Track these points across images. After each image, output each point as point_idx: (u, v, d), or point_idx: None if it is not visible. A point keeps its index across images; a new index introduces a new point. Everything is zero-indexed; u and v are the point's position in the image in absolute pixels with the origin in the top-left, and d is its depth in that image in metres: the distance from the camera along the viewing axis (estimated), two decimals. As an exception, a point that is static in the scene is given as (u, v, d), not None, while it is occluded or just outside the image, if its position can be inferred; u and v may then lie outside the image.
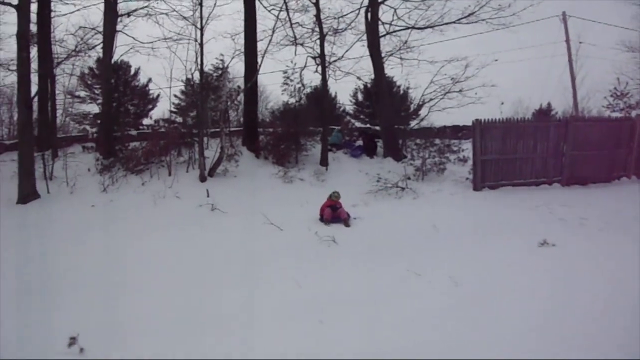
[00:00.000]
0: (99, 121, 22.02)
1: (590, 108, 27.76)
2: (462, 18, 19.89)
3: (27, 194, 13.82)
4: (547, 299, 7.77)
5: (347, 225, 12.31)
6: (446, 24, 20.16)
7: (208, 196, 13.66)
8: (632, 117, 18.03)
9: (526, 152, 15.63)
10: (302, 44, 19.61)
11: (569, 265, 9.12)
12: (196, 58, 16.53)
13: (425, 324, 7.25)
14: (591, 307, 7.31)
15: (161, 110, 34.11)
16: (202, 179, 14.92)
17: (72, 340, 7.11)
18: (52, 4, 18.85)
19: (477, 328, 6.97)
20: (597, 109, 25.78)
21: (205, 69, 17.36)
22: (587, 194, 14.73)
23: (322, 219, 12.57)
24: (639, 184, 16.03)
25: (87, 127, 27.36)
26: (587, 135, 15.96)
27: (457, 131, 20.39)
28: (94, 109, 29.45)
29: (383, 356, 6.50)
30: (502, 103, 19.71)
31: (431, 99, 19.55)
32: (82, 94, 29.79)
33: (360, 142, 19.53)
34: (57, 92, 20.43)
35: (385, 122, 18.86)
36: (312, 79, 23.84)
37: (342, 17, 20.16)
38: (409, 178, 15.29)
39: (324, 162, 16.66)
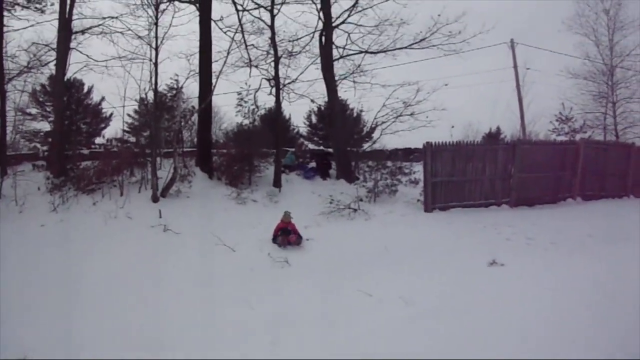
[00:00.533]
0: (50, 139, 21.50)
1: (537, 132, 28.56)
2: (413, 43, 20.29)
3: None
4: (495, 316, 7.98)
5: (297, 244, 12.55)
6: (398, 49, 20.52)
7: (160, 217, 13.54)
8: (576, 140, 18.73)
9: (475, 175, 15.96)
10: (256, 66, 19.72)
11: (517, 284, 9.37)
12: (150, 77, 16.44)
13: (376, 340, 7.39)
14: (536, 322, 7.55)
15: (114, 129, 33.61)
16: (155, 199, 14.77)
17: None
18: (5, 18, 18.49)
19: (425, 343, 7.12)
20: (543, 133, 26.63)
21: (160, 88, 17.33)
22: (534, 215, 15.13)
23: (274, 240, 12.66)
24: (584, 204, 16.54)
25: (38, 145, 26.71)
26: (534, 158, 16.44)
27: (408, 154, 20.65)
28: (46, 126, 28.68)
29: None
30: (453, 126, 20.19)
31: (383, 122, 19.88)
32: (34, 111, 29.06)
33: (313, 164, 19.66)
34: (7, 108, 19.92)
35: (338, 144, 19.05)
36: (267, 100, 23.83)
37: (297, 40, 20.33)
38: (361, 200, 15.43)
39: (277, 183, 16.70)
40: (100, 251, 11.73)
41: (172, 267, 11.15)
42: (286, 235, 12.58)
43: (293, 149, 20.94)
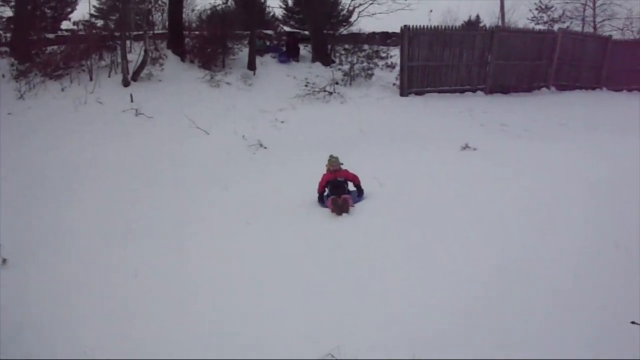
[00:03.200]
0: (12, 25, 20.60)
1: (515, 20, 28.03)
2: None
3: None
4: (466, 197, 8.13)
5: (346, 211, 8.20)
6: None
7: (132, 101, 13.27)
8: (554, 30, 18.53)
9: (452, 60, 15.80)
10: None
11: (488, 166, 9.50)
12: (118, -45, 15.65)
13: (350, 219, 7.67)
14: (508, 203, 7.72)
15: (81, 14, 32.15)
16: (126, 83, 14.40)
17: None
18: None
19: (396, 223, 7.29)
20: (522, 22, 26.20)
21: (128, -34, 16.51)
22: (508, 102, 15.23)
23: (321, 201, 8.70)
24: (558, 94, 16.63)
25: (0, 32, 25.66)
26: (511, 46, 16.28)
27: (386, 38, 20.28)
28: (7, 11, 27.57)
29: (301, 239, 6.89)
30: (431, 11, 19.86)
31: (361, 4, 19.46)
32: (-7, -5, 27.79)
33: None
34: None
35: (315, 27, 18.52)
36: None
37: None
38: (337, 83, 15.25)
39: (251, 66, 16.32)
40: (71, 137, 11.49)
41: (145, 151, 11.06)
42: (338, 194, 8.35)
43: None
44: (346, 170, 8.72)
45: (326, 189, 8.58)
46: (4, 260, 6.92)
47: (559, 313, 5.03)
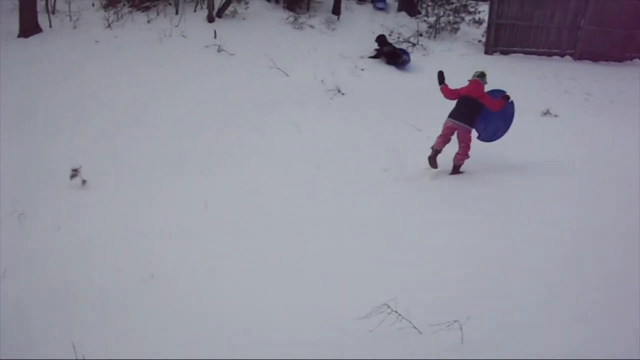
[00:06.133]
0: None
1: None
2: None
3: (29, 27, 13.27)
4: (542, 164, 8.02)
5: (455, 172, 8.05)
6: None
7: (215, 37, 13.42)
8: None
9: (543, 21, 15.21)
10: None
11: (567, 134, 9.28)
12: None
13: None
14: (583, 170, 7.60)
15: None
16: (210, 19, 14.55)
17: (74, 173, 7.32)
18: None
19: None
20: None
21: None
22: (597, 71, 14.61)
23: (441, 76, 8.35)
24: (652, 67, 15.82)
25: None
26: (608, 11, 15.40)
27: (476, -8, 19.74)
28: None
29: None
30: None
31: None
32: None
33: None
34: None
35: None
36: None
37: None
38: (421, 35, 14.96)
39: (336, 10, 16.15)
40: (154, 67, 11.84)
41: (224, 88, 11.25)
42: (464, 116, 7.82)
43: None
44: (488, 95, 7.91)
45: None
46: (84, 182, 7.30)
47: None
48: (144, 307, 5.03)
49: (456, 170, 7.86)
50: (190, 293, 5.18)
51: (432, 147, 7.77)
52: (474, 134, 8.04)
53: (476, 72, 8.30)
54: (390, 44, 13.71)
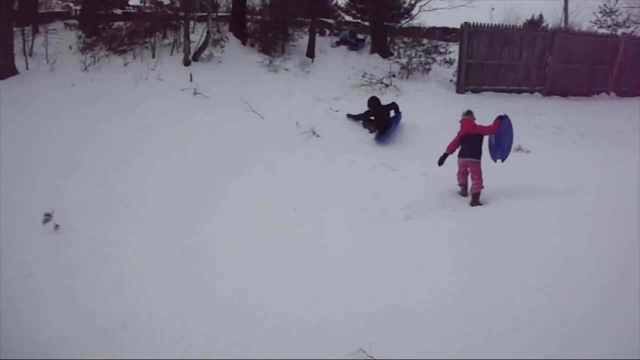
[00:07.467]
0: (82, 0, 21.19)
1: (579, 22, 27.37)
2: None
3: (6, 69, 13.30)
4: (517, 198, 8.20)
5: (475, 202, 8.48)
6: None
7: (191, 80, 13.55)
8: (617, 34, 18.11)
9: (511, 60, 15.66)
10: None
11: (542, 169, 9.49)
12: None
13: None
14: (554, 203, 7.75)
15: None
16: (186, 62, 14.73)
17: (47, 217, 7.26)
18: None
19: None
20: (586, 24, 25.57)
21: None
22: (566, 106, 15.00)
23: (442, 159, 9.02)
24: (618, 100, 16.27)
25: (70, 4, 26.33)
26: (573, 48, 15.99)
27: (445, 33, 20.21)
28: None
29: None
30: (493, 9, 19.72)
31: (423, -2, 19.32)
32: (66, -32, 28.51)
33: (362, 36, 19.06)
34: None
35: (375, 18, 18.53)
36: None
37: None
38: (393, 75, 15.25)
39: (310, 53, 16.47)
40: (130, 110, 11.83)
41: (200, 131, 11.29)
42: (471, 151, 8.65)
43: (350, 28, 20.02)
44: (481, 125, 8.84)
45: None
46: (56, 226, 7.26)
47: None
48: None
49: (476, 199, 8.44)
50: (163, 344, 5.16)
51: (458, 184, 8.86)
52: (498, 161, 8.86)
53: (464, 111, 9.24)
54: (383, 107, 12.37)
